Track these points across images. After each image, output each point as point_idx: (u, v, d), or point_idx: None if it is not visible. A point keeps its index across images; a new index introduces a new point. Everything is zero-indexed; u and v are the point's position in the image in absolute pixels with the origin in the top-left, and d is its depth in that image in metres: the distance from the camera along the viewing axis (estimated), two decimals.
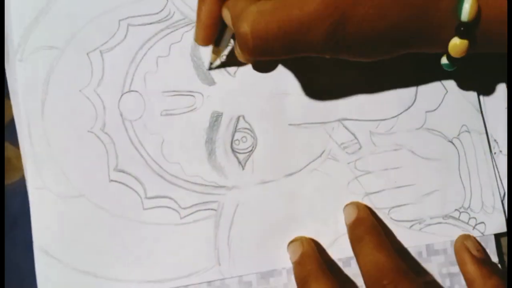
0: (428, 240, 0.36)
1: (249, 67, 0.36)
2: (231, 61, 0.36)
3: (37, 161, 0.35)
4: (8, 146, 0.36)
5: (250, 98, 0.36)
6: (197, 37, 0.33)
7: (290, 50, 0.30)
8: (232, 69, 0.36)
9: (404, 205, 0.36)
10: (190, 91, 0.36)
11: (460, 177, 0.36)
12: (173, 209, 0.35)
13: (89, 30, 0.36)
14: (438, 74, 0.37)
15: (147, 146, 0.36)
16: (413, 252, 0.36)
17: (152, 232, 0.35)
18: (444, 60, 0.32)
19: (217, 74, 0.36)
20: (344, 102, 0.37)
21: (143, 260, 0.35)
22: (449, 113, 0.37)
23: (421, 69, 0.37)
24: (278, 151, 0.36)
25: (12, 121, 0.36)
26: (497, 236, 0.36)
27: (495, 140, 0.37)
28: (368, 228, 0.34)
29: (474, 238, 0.36)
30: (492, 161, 0.37)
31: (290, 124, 0.36)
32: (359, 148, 0.36)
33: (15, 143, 0.36)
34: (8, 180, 0.36)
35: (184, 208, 0.35)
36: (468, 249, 0.35)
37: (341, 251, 0.36)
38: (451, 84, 0.37)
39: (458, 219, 0.36)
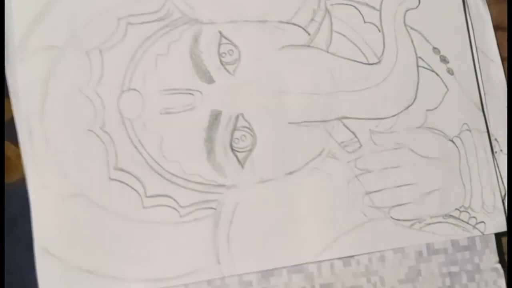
0: (428, 240, 0.36)
1: (248, 65, 0.36)
2: None
3: (37, 160, 0.35)
4: (8, 145, 0.37)
5: (249, 97, 0.36)
6: None
7: None
8: (231, 68, 0.36)
9: (404, 204, 0.36)
10: (189, 90, 0.36)
11: (461, 176, 0.36)
12: (173, 207, 0.35)
13: (88, 29, 0.36)
14: (438, 72, 0.37)
15: (146, 144, 0.36)
16: (413, 251, 0.36)
17: (152, 230, 0.35)
18: None
19: (216, 72, 0.36)
20: (344, 100, 0.37)
21: (143, 258, 0.35)
22: (450, 112, 0.37)
23: (422, 67, 0.37)
24: (277, 150, 0.36)
25: (12, 120, 0.36)
26: (498, 236, 0.36)
27: (496, 139, 0.37)
28: None
29: None
30: (493, 160, 0.36)
31: (289, 123, 0.36)
32: (359, 147, 0.36)
33: (15, 142, 0.36)
34: (8, 180, 0.36)
35: (184, 207, 0.35)
36: None
37: (341, 250, 0.36)
38: (452, 82, 0.37)
39: (459, 218, 0.36)
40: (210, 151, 0.36)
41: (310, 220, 0.36)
